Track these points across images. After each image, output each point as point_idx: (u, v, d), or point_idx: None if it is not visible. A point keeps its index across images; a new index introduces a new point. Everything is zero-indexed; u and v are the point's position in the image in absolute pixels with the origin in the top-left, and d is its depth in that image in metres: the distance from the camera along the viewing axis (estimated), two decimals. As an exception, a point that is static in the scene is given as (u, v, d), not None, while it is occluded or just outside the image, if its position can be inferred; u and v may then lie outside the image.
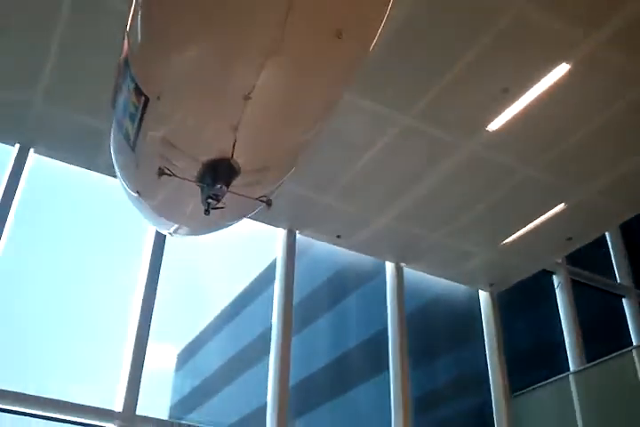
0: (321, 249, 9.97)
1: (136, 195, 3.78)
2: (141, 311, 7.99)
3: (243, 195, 3.10)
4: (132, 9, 2.79)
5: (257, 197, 3.24)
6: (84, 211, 8.69)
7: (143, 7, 2.69)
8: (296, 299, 9.19)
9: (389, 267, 10.08)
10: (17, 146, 8.20)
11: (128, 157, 3.42)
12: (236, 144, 2.82)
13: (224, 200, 3.03)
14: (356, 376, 9.87)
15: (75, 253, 8.41)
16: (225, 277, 9.60)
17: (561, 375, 8.97)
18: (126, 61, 2.94)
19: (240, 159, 2.91)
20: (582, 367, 9.45)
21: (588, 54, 6.71)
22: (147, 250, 8.46)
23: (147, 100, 2.81)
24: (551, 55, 6.81)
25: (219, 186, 2.91)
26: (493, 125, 7.59)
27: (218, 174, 2.92)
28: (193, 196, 3.13)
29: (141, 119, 2.93)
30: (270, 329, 8.87)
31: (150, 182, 3.28)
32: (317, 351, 9.97)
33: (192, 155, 2.98)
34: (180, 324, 9.03)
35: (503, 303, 10.80)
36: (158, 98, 2.77)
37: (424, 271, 10.42)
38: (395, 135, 7.74)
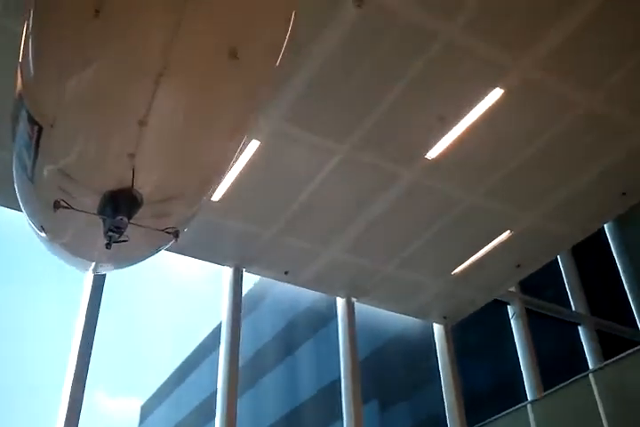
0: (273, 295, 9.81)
1: (41, 231, 3.59)
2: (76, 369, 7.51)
3: (146, 226, 2.96)
4: (23, 38, 2.67)
5: (164, 228, 3.08)
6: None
7: (30, 35, 2.57)
8: (247, 352, 8.89)
9: (340, 303, 9.88)
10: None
11: (28, 190, 3.27)
12: (136, 173, 2.69)
13: (127, 233, 2.88)
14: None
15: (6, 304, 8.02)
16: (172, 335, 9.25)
17: (518, 406, 8.77)
18: (20, 92, 2.82)
19: (142, 189, 2.78)
20: (540, 396, 9.29)
21: (521, 78, 6.83)
22: (84, 299, 8.08)
23: (40, 128, 2.68)
24: (484, 81, 6.91)
25: (119, 218, 2.77)
26: (432, 153, 7.61)
27: (118, 205, 2.79)
28: (98, 229, 2.96)
29: (37, 149, 2.79)
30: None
31: (52, 217, 3.11)
32: (271, 405, 9.70)
33: (90, 186, 2.84)
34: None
35: (458, 336, 10.64)
36: (52, 126, 2.64)
37: (376, 306, 10.26)
38: (334, 166, 7.69)
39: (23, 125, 2.83)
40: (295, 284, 9.61)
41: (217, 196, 7.86)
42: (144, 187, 2.81)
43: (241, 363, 8.53)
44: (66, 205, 2.84)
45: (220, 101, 2.63)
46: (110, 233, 2.87)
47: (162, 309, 9.02)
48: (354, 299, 9.92)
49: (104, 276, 8.12)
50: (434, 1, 6.10)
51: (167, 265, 9.26)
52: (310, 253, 9.04)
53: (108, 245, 2.92)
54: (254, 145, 7.28)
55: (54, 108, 2.62)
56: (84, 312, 7.90)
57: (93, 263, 4.12)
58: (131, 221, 2.85)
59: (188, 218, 3.52)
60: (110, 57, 2.36)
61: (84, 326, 7.78)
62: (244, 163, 7.46)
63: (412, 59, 6.60)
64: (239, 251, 8.97)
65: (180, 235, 3.18)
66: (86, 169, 2.84)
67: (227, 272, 9.18)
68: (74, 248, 3.80)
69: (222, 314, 8.88)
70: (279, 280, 9.58)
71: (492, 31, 6.38)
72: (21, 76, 2.76)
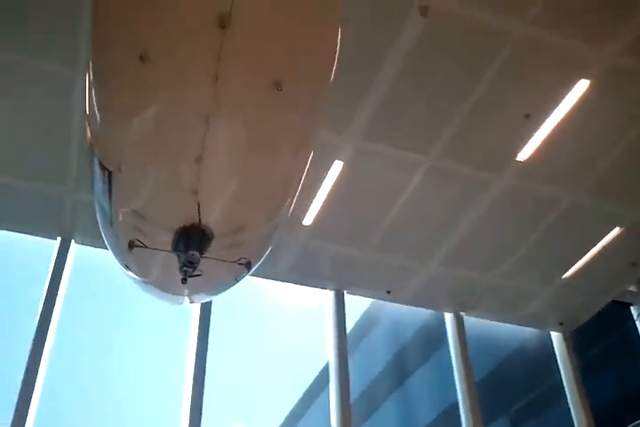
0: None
1: (127, 270, 3.76)
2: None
3: (218, 259, 3.03)
4: (86, 93, 2.84)
5: (236, 259, 3.16)
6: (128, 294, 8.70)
7: (89, 85, 2.73)
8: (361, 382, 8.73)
9: (449, 318, 9.58)
10: (58, 239, 8.40)
11: (110, 232, 3.45)
12: (202, 208, 2.78)
13: (201, 267, 2.96)
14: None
15: (123, 341, 8.37)
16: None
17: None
18: (89, 141, 3.00)
19: (210, 223, 2.86)
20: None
21: (607, 66, 6.45)
22: (192, 335, 8.30)
23: (110, 173, 2.84)
24: (567, 73, 6.58)
25: (191, 253, 2.86)
26: (523, 154, 7.30)
27: (189, 241, 2.88)
28: (174, 265, 3.06)
29: (110, 193, 2.96)
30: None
31: (132, 256, 3.28)
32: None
33: (162, 224, 2.96)
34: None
35: (579, 345, 10.01)
36: (119, 169, 2.78)
37: (487, 318, 9.86)
38: (421, 178, 7.54)
39: (96, 171, 3.02)
40: (398, 302, 9.44)
41: (308, 220, 7.91)
42: (211, 221, 2.89)
43: (355, 395, 8.43)
44: (140, 244, 2.99)
45: (270, 132, 2.66)
46: (185, 268, 2.96)
47: (270, 341, 9.05)
48: (462, 313, 9.60)
49: (210, 308, 8.34)
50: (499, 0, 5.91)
51: (271, 294, 9.35)
52: (409, 269, 8.87)
53: (183, 280, 3.01)
54: (338, 166, 7.29)
55: (119, 154, 2.77)
56: (194, 349, 8.10)
57: (180, 297, 4.27)
58: (203, 254, 2.93)
59: (264, 246, 3.58)
60: (159, 101, 2.46)
61: (195, 365, 7.96)
62: (331, 184, 7.48)
63: (486, 60, 6.40)
64: (338, 273, 8.95)
65: (252, 265, 3.29)
66: (156, 208, 2.98)
67: (328, 296, 9.15)
68: (158, 284, 3.96)
69: (327, 341, 8.83)
70: (382, 299, 9.45)
71: (567, 22, 6.10)
72: (88, 125, 2.94)
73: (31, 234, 8.33)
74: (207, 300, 4.64)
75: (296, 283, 9.17)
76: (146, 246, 3.00)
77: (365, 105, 6.69)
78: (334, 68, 2.64)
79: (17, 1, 5.81)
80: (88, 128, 2.95)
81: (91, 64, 2.59)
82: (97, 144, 2.90)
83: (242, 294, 8.77)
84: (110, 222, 3.27)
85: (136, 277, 3.88)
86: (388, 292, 9.23)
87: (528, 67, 6.50)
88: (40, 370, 7.40)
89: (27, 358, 7.41)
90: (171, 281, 3.53)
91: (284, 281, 9.03)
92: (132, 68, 2.33)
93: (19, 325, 8.17)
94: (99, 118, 2.73)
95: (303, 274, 8.88)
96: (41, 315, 7.78)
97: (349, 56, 6.34)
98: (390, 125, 6.91)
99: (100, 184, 3.05)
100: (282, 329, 9.22)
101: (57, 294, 8.01)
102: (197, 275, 3.03)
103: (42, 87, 6.48)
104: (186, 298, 4.30)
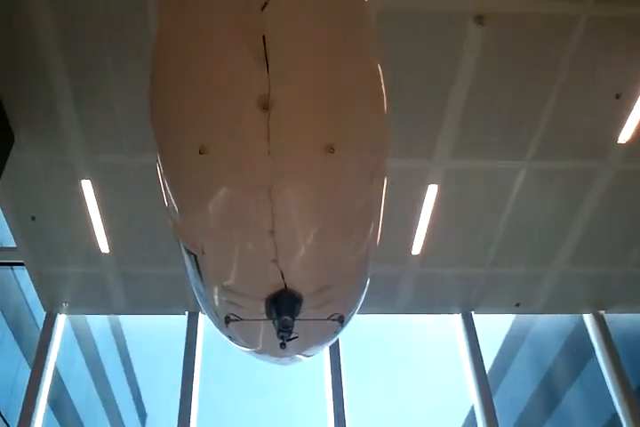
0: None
1: (231, 341, 3.95)
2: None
3: (311, 319, 3.15)
4: (160, 187, 3.01)
5: (327, 317, 3.27)
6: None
7: (162, 184, 2.91)
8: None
9: (588, 319, 9.01)
10: (186, 313, 8.76)
11: (208, 309, 3.66)
12: (285, 274, 2.89)
13: (296, 329, 3.06)
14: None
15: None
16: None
17: None
18: (173, 230, 3.22)
19: (296, 286, 2.97)
20: None
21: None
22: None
23: (195, 257, 3.04)
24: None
25: (284, 318, 2.99)
26: (624, 136, 6.85)
27: (280, 307, 3.01)
28: (272, 331, 3.19)
29: (200, 274, 3.15)
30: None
31: (231, 329, 3.43)
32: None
33: (252, 295, 3.10)
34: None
35: None
36: (203, 253, 2.96)
37: (633, 312, 9.18)
38: (522, 183, 7.25)
39: (184, 255, 3.24)
40: (531, 313, 9.01)
41: (417, 249, 7.77)
42: (297, 284, 2.99)
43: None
44: (235, 318, 3.18)
45: (334, 194, 2.72)
46: (281, 333, 3.08)
47: (407, 378, 8.86)
48: (602, 312, 9.02)
49: (339, 353, 8.32)
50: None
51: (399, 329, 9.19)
52: (535, 276, 8.47)
53: (282, 345, 3.12)
54: (433, 190, 7.14)
55: (199, 238, 2.95)
56: (330, 398, 8.10)
57: (286, 358, 4.38)
58: (296, 317, 3.04)
59: (355, 296, 3.64)
60: (224, 187, 2.58)
61: (335, 413, 7.93)
62: (430, 209, 7.33)
63: (558, 50, 6.14)
64: (461, 295, 8.70)
65: (345, 319, 3.36)
66: (243, 281, 3.12)
67: (456, 320, 8.88)
68: (262, 351, 4.11)
69: (465, 365, 8.53)
70: (513, 313, 9.05)
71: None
72: (169, 216, 3.13)
73: (162, 314, 8.85)
74: (313, 355, 4.71)
75: (420, 313, 8.97)
76: (241, 319, 3.17)
77: (446, 124, 6.56)
78: (385, 118, 2.63)
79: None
80: (169, 218, 3.15)
81: (158, 161, 2.78)
82: (179, 232, 3.11)
83: (368, 335, 8.71)
84: (206, 300, 3.46)
85: (240, 347, 4.07)
86: (517, 304, 8.84)
87: (603, 47, 6.16)
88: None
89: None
90: (272, 346, 3.67)
91: (407, 313, 8.86)
92: (195, 161, 2.49)
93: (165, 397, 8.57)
94: (174, 209, 2.92)
95: (425, 303, 8.69)
96: (182, 383, 8.22)
97: (419, 80, 6.37)
98: (476, 139, 6.73)
99: (189, 267, 3.25)
100: (416, 364, 9.00)
101: (194, 362, 8.43)
102: (294, 338, 3.13)
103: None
104: (292, 358, 4.40)
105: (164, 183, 2.86)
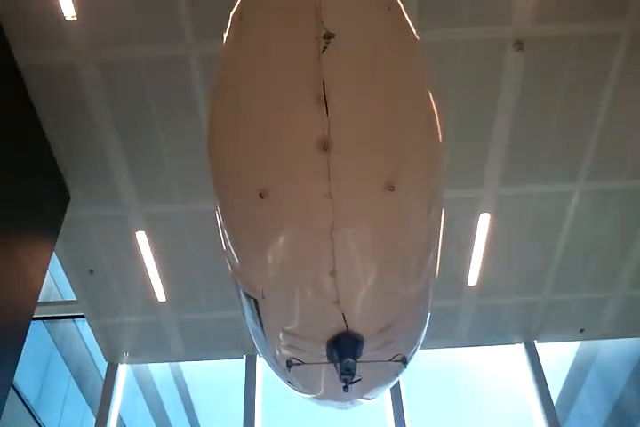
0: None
1: (290, 386, 3.90)
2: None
3: (372, 361, 3.07)
4: (219, 232, 3.05)
5: (390, 358, 3.20)
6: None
7: (222, 230, 2.96)
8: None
9: (658, 342, 8.65)
10: (244, 357, 8.74)
11: (267, 353, 3.63)
12: (347, 316, 2.87)
13: (359, 372, 2.99)
14: None
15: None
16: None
17: None
18: (232, 275, 3.23)
19: (358, 328, 2.93)
20: None
21: None
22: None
23: (255, 301, 3.03)
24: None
25: (346, 360, 2.93)
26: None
27: (342, 349, 2.96)
28: (333, 374, 3.12)
29: (260, 317, 3.14)
30: None
31: (292, 374, 3.39)
32: None
33: (313, 338, 3.06)
34: None
35: None
36: (263, 297, 2.96)
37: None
38: (577, 205, 7.10)
39: (243, 300, 3.22)
40: (596, 338, 8.70)
41: (473, 280, 7.64)
42: (359, 326, 2.95)
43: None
44: (298, 361, 3.11)
45: (394, 231, 2.71)
46: (344, 376, 3.00)
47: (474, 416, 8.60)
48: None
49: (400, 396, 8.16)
50: (600, 4, 5.65)
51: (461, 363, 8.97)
52: (598, 301, 8.20)
53: (345, 388, 3.04)
54: (485, 218, 7.05)
55: (260, 282, 2.94)
56: None
57: (347, 403, 4.30)
58: (358, 359, 2.97)
59: (416, 336, 3.57)
60: (285, 230, 2.62)
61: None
62: (484, 238, 7.22)
63: (602, 69, 6.09)
64: (522, 325, 8.45)
65: (408, 360, 3.28)
66: (304, 325, 3.09)
67: (519, 350, 8.62)
68: (323, 395, 4.02)
69: (530, 398, 8.25)
70: (577, 340, 8.75)
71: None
72: (227, 261, 3.14)
73: (221, 358, 8.86)
74: (375, 398, 4.61)
75: (481, 345, 8.75)
76: (303, 363, 3.11)
77: (493, 152, 6.51)
78: (440, 148, 2.67)
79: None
80: (228, 263, 3.14)
81: (217, 206, 2.81)
82: (238, 276, 3.10)
83: (428, 370, 8.52)
84: (266, 345, 3.43)
85: (300, 391, 4.01)
86: (582, 330, 8.55)
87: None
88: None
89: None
90: (334, 390, 3.60)
91: (467, 346, 8.66)
92: (255, 206, 2.51)
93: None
94: (234, 254, 2.94)
95: (485, 334, 8.48)
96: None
97: (463, 108, 6.35)
98: (526, 164, 6.66)
99: (248, 311, 3.24)
100: (481, 399, 8.74)
101: (254, 404, 8.37)
102: (357, 380, 3.06)
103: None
104: (353, 402, 4.30)
105: (222, 229, 2.89)
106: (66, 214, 6.71)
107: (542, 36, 5.84)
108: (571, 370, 9.34)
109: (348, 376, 3.01)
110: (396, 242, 2.75)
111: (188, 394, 9.68)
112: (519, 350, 8.61)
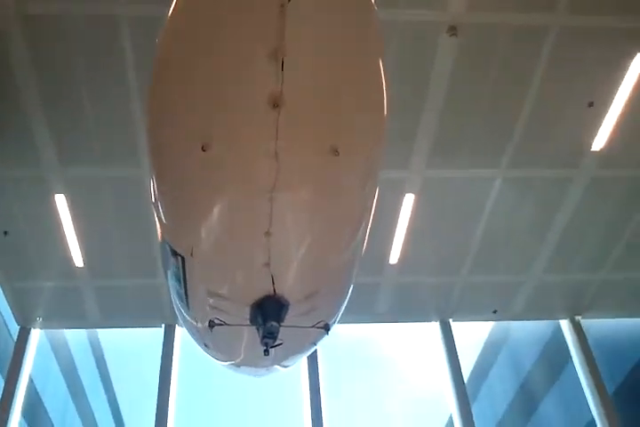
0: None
1: (206, 349, 3.89)
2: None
3: (296, 326, 3.07)
4: (151, 188, 2.92)
5: (312, 324, 3.21)
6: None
7: (155, 184, 2.83)
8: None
9: (565, 325, 9.07)
10: (163, 326, 8.66)
11: (187, 315, 3.56)
12: (275, 279, 2.83)
13: (281, 336, 3.00)
14: None
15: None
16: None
17: None
18: (161, 232, 3.12)
19: (285, 292, 2.91)
20: None
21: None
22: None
23: (182, 258, 2.94)
24: (622, 50, 6.19)
25: (270, 324, 2.92)
26: (597, 144, 6.91)
27: (266, 313, 2.94)
28: (254, 338, 3.11)
29: (184, 277, 3.06)
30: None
31: (211, 335, 3.36)
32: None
33: (238, 299, 3.02)
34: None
35: None
36: (191, 254, 2.87)
37: (607, 317, 9.26)
38: (498, 192, 7.28)
39: (169, 259, 3.12)
40: (508, 319, 9.06)
41: (394, 258, 7.77)
42: (286, 290, 2.94)
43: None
44: (220, 322, 3.06)
45: (333, 198, 2.69)
46: (265, 340, 3.01)
47: (386, 389, 8.83)
48: (578, 317, 9.08)
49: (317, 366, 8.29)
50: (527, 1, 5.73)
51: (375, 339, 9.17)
52: (512, 284, 8.52)
53: (265, 352, 3.05)
54: (410, 199, 7.15)
55: (190, 240, 2.86)
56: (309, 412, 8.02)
57: (262, 369, 4.36)
58: (282, 324, 2.98)
59: (338, 305, 3.60)
60: (224, 186, 2.54)
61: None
62: (407, 219, 7.33)
63: (531, 60, 6.19)
64: (439, 304, 8.71)
65: (330, 327, 3.29)
66: (230, 285, 3.06)
67: (434, 328, 8.89)
68: (240, 360, 4.02)
69: (443, 374, 8.54)
70: (490, 320, 9.09)
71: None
72: (157, 217, 3.04)
73: (139, 326, 8.78)
74: (292, 365, 4.66)
75: (398, 321, 8.98)
76: (226, 324, 3.07)
77: (421, 134, 6.57)
78: (385, 122, 2.60)
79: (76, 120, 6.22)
80: (157, 219, 3.05)
81: (153, 157, 2.70)
82: (167, 231, 3.02)
83: (346, 345, 8.69)
84: (187, 306, 3.37)
85: (217, 355, 4.03)
86: (495, 311, 8.87)
87: (576, 56, 6.21)
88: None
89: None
90: (252, 355, 3.65)
91: (385, 322, 8.87)
92: (196, 159, 2.41)
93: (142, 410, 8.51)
94: (166, 207, 2.86)
95: (403, 311, 8.70)
96: (159, 395, 8.15)
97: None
98: (452, 148, 6.76)
99: (173, 270, 3.16)
100: (394, 373, 8.99)
101: (170, 374, 8.34)
102: (278, 345, 3.07)
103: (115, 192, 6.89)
104: (270, 368, 4.36)
105: (157, 180, 2.78)
106: (-20, 173, 6.42)
107: (476, 23, 5.85)
108: (483, 349, 9.72)
109: (270, 340, 3.01)
110: (333, 209, 2.73)
111: (104, 361, 9.56)
112: (435, 328, 8.88)
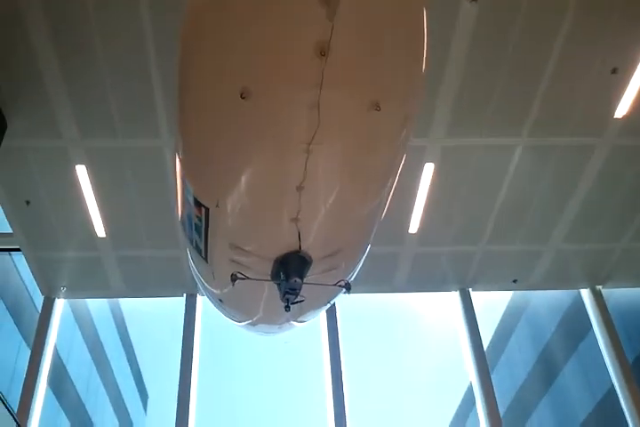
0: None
1: (220, 303, 3.84)
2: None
3: (320, 284, 3.04)
4: (179, 135, 2.84)
5: (334, 282, 3.18)
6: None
7: (184, 131, 2.75)
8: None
9: (585, 295, 9.06)
10: (184, 295, 8.77)
11: (204, 269, 3.49)
12: (302, 235, 2.78)
13: (302, 293, 2.97)
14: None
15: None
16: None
17: None
18: (183, 178, 3.02)
19: (309, 249, 2.87)
20: None
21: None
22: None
23: (207, 210, 2.87)
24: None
25: (293, 280, 2.88)
26: (620, 111, 6.80)
27: (290, 268, 2.90)
28: (275, 294, 3.08)
29: (207, 229, 2.99)
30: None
31: (230, 290, 3.29)
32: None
33: (261, 254, 2.97)
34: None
35: None
36: (217, 205, 2.81)
37: (628, 286, 9.23)
38: (519, 160, 7.21)
39: (190, 210, 3.03)
40: (527, 289, 9.06)
41: (414, 228, 7.77)
42: (310, 247, 2.89)
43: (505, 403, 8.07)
44: (242, 276, 2.99)
45: (369, 154, 2.64)
46: (287, 296, 2.97)
47: (408, 359, 8.91)
48: (599, 287, 9.06)
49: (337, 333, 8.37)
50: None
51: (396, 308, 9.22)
52: (532, 253, 8.49)
53: (287, 308, 3.02)
54: (429, 168, 7.12)
55: (217, 190, 2.80)
56: (329, 379, 8.13)
57: (276, 326, 4.31)
58: (305, 280, 2.95)
59: (356, 265, 3.56)
60: (261, 135, 2.45)
61: (334, 392, 8.02)
62: (427, 188, 7.31)
63: (554, 24, 6.07)
64: (458, 273, 8.72)
65: (350, 286, 3.24)
66: (256, 239, 2.99)
67: (454, 297, 8.92)
68: (257, 316, 3.97)
69: (462, 343, 8.61)
70: (510, 290, 9.10)
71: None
72: (180, 164, 2.95)
73: (160, 296, 8.89)
74: (304, 323, 4.66)
75: (418, 291, 9.02)
76: (248, 278, 3.00)
77: (441, 102, 6.51)
78: (423, 82, 2.62)
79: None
80: (180, 164, 2.96)
81: (183, 101, 2.60)
82: (193, 183, 2.93)
83: (366, 314, 8.76)
84: (205, 259, 3.29)
85: (231, 311, 3.98)
86: (515, 281, 8.88)
87: (598, 21, 6.09)
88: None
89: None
90: (273, 311, 3.59)
91: (405, 292, 8.90)
92: (232, 106, 2.33)
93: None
94: (195, 158, 2.78)
95: (423, 281, 8.72)
96: (181, 364, 8.31)
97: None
98: (472, 116, 6.69)
99: (194, 223, 3.08)
100: (414, 342, 9.05)
101: (193, 343, 8.50)
102: (300, 301, 3.04)
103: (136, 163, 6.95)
104: (283, 326, 4.32)
105: (186, 127, 2.69)
106: (2, 143, 6.46)
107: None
108: (502, 318, 9.75)
109: (291, 296, 2.97)
110: (367, 166, 2.68)
111: (126, 330, 9.72)
112: (454, 297, 8.91)
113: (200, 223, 2.99)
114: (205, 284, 3.84)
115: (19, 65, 6.05)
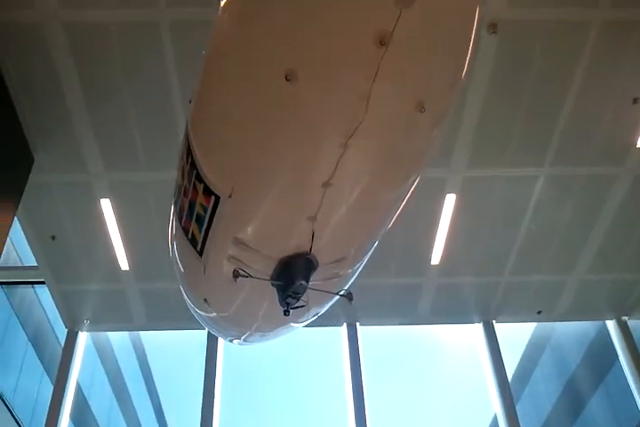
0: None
1: (202, 303, 3.43)
2: None
3: (325, 291, 2.81)
4: (199, 111, 2.63)
5: (337, 291, 2.97)
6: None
7: (208, 108, 2.53)
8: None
9: (611, 326, 8.90)
10: (207, 329, 8.71)
11: (193, 263, 3.10)
12: (315, 235, 2.55)
13: (304, 298, 2.73)
14: None
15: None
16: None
17: None
18: (193, 163, 2.69)
19: (318, 252, 2.62)
20: None
21: None
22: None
23: (217, 198, 2.59)
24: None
25: (299, 283, 2.63)
26: (643, 140, 6.79)
27: (297, 271, 2.65)
28: (266, 297, 2.84)
29: (210, 221, 2.71)
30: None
31: (218, 288, 3.05)
32: None
33: (267, 253, 2.71)
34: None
35: None
36: (230, 196, 2.54)
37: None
38: (541, 190, 7.20)
39: (194, 197, 2.74)
40: (552, 320, 8.93)
41: (436, 259, 7.73)
42: (320, 250, 2.64)
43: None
44: (245, 273, 2.70)
45: (402, 158, 2.47)
46: (289, 299, 2.73)
47: (429, 391, 8.81)
48: (625, 317, 8.91)
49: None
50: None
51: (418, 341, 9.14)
52: (556, 284, 8.39)
53: (286, 313, 2.75)
54: (451, 199, 7.11)
55: (234, 178, 2.55)
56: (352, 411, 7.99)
57: (246, 333, 3.90)
58: (309, 285, 2.71)
59: (353, 276, 3.28)
60: (298, 122, 2.25)
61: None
62: (449, 219, 7.29)
63: (573, 56, 6.11)
64: (482, 305, 8.63)
65: (352, 296, 2.96)
66: (265, 237, 2.72)
67: (477, 329, 8.81)
68: (234, 317, 3.56)
69: (487, 374, 8.47)
70: (535, 321, 8.98)
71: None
72: (194, 147, 2.67)
73: (183, 329, 8.79)
74: (257, 343, 4.28)
75: (441, 323, 8.92)
76: (251, 276, 2.70)
77: (462, 133, 6.54)
78: (459, 90, 2.51)
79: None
80: (196, 145, 2.66)
81: (212, 81, 2.41)
82: (208, 169, 2.61)
83: (389, 346, 8.67)
84: (199, 253, 2.93)
85: (210, 311, 3.54)
86: (539, 312, 8.76)
87: (619, 51, 6.13)
88: None
89: None
90: (248, 314, 3.33)
91: (428, 324, 8.82)
92: (273, 87, 2.15)
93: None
94: (216, 140, 2.55)
95: (446, 312, 8.63)
96: (204, 397, 8.22)
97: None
98: (493, 147, 6.72)
99: (194, 211, 2.78)
100: (439, 374, 8.94)
101: (215, 376, 8.44)
102: (301, 306, 2.79)
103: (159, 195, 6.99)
104: (244, 336, 3.95)
105: (209, 107, 2.48)
106: (29, 178, 6.58)
107: (516, 20, 5.82)
108: (526, 350, 9.59)
109: (293, 300, 2.72)
110: (397, 169, 2.50)
111: (148, 363, 9.70)
112: (478, 329, 8.80)
113: (204, 213, 2.71)
114: (188, 279, 3.49)
115: (45, 100, 6.19)
